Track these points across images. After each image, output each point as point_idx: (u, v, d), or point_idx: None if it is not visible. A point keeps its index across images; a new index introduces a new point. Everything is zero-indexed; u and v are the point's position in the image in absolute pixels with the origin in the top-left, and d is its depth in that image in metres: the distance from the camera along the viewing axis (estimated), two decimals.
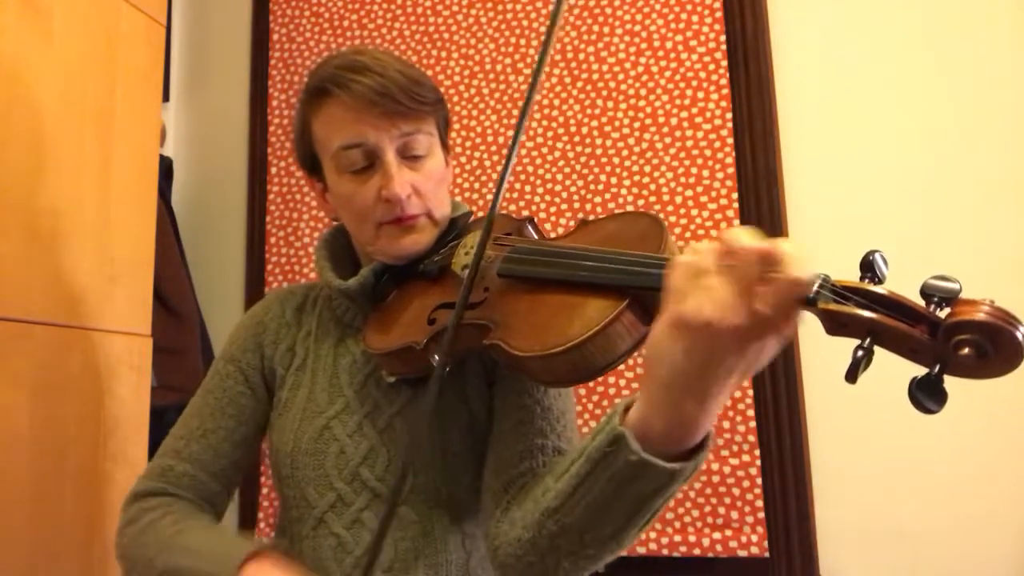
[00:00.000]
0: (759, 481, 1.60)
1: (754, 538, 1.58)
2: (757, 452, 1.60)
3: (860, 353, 0.55)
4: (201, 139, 2.16)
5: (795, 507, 1.58)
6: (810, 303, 0.57)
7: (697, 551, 1.59)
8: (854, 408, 1.58)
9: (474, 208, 1.85)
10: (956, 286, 0.54)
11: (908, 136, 1.67)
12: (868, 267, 0.58)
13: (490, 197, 1.84)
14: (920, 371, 0.55)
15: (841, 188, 1.69)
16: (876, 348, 0.56)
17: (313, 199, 1.99)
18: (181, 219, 2.03)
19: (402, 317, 0.91)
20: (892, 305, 0.56)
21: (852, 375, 0.55)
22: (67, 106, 1.43)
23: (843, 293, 0.57)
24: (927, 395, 0.54)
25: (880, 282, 0.58)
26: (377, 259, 0.97)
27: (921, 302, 0.56)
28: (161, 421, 1.75)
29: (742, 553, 1.58)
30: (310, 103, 0.95)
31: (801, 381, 1.62)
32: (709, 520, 1.60)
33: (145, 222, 1.60)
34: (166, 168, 2.01)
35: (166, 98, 2.07)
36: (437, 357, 0.81)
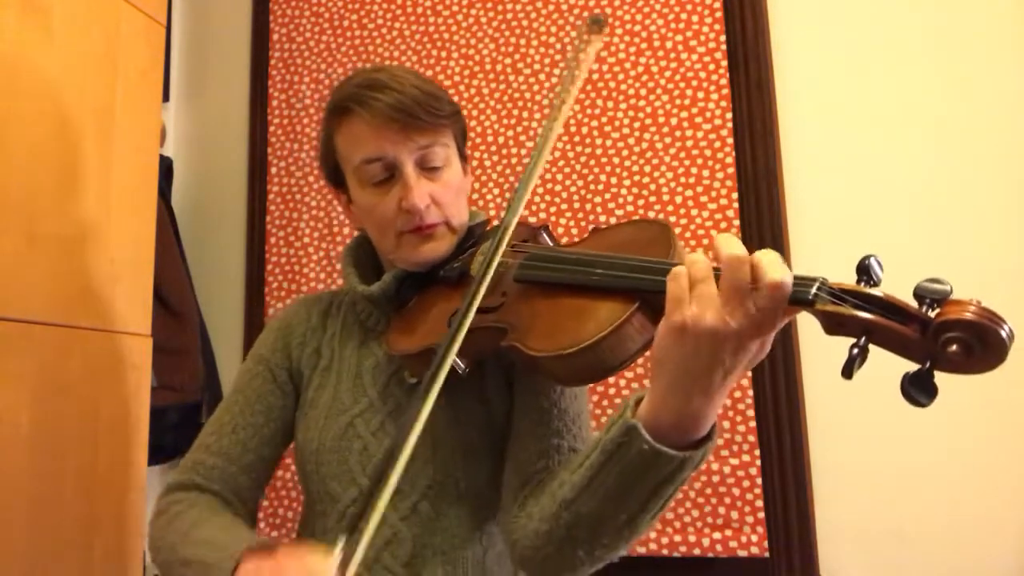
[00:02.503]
0: (759, 481, 1.60)
1: (754, 538, 1.58)
2: (757, 452, 1.60)
3: (856, 351, 0.59)
4: (201, 139, 2.16)
5: (795, 507, 1.58)
6: (809, 304, 0.62)
7: (697, 551, 1.59)
8: (854, 408, 1.58)
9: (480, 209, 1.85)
10: (947, 288, 0.58)
11: (908, 136, 1.67)
12: (864, 270, 0.62)
13: (489, 197, 1.85)
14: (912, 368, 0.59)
15: (841, 188, 1.69)
16: (871, 346, 0.60)
17: (313, 199, 1.99)
18: (181, 219, 2.03)
19: (423, 321, 0.94)
20: (886, 306, 0.60)
21: (848, 371, 0.59)
22: (67, 106, 1.43)
23: (840, 295, 0.61)
24: (918, 389, 0.57)
25: (875, 284, 0.62)
26: (399, 266, 1.00)
27: (914, 303, 0.59)
28: (161, 421, 1.75)
29: (742, 553, 1.58)
30: (332, 120, 0.99)
31: (801, 381, 1.62)
32: (709, 520, 1.60)
33: (145, 222, 1.60)
34: (166, 168, 2.01)
35: (166, 98, 2.07)
36: (459, 360, 0.84)
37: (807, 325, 1.65)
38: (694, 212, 1.72)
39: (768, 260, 0.62)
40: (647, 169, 1.76)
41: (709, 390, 0.66)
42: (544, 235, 0.96)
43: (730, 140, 1.73)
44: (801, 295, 0.62)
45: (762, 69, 1.73)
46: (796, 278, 0.62)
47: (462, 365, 0.84)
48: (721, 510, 1.60)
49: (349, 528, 0.74)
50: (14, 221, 1.31)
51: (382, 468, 0.74)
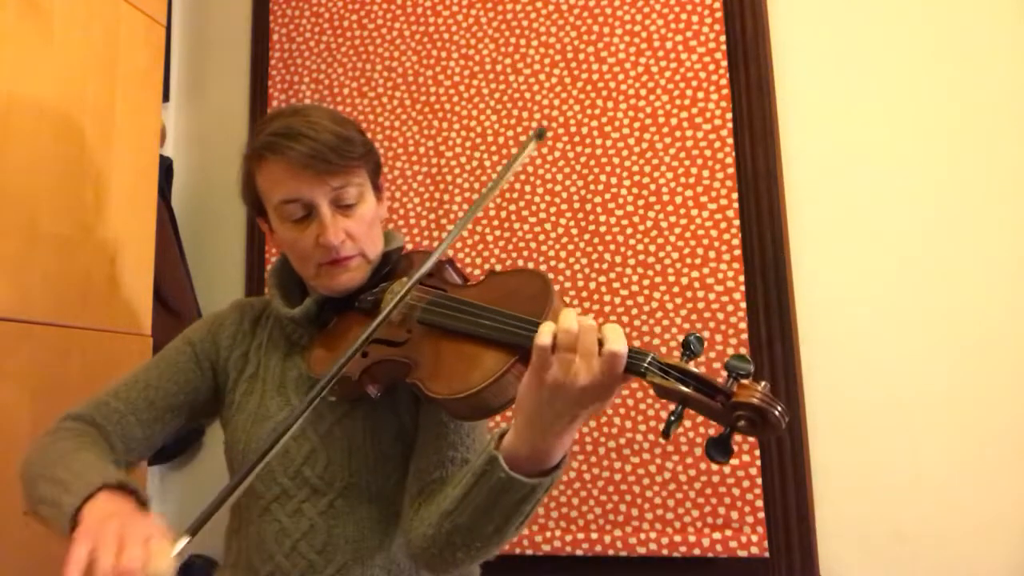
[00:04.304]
0: (759, 481, 1.59)
1: (754, 538, 1.58)
2: (757, 452, 1.60)
3: (673, 417, 0.75)
4: (201, 139, 2.15)
5: (795, 507, 1.58)
6: (642, 375, 0.77)
7: (697, 551, 1.60)
8: (854, 408, 1.58)
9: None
10: (750, 367, 0.74)
11: (908, 136, 1.67)
12: (686, 347, 0.78)
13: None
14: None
15: (841, 188, 1.69)
16: (686, 411, 0.75)
17: None
18: (181, 219, 2.03)
19: (340, 347, 1.05)
20: (701, 381, 0.75)
21: (666, 433, 0.74)
22: (67, 106, 1.43)
23: (666, 369, 0.76)
24: (717, 450, 0.73)
25: (695, 357, 0.77)
26: (319, 291, 1.10)
27: (721, 377, 0.74)
28: None
29: (742, 553, 1.58)
30: (253, 160, 1.09)
31: (801, 381, 1.61)
32: (709, 520, 1.60)
33: (145, 222, 1.61)
34: (166, 168, 2.01)
35: (166, 98, 2.07)
36: (372, 387, 0.99)
37: (808, 326, 1.65)
38: (694, 212, 1.72)
39: (613, 335, 0.76)
40: (647, 169, 1.76)
41: (558, 431, 0.81)
42: (449, 269, 1.10)
43: (730, 140, 1.73)
44: (635, 367, 0.77)
45: (762, 69, 1.73)
46: (631, 352, 0.77)
47: (375, 391, 0.99)
48: (721, 510, 1.60)
49: (193, 530, 0.76)
50: (14, 221, 1.31)
51: (243, 472, 0.80)
